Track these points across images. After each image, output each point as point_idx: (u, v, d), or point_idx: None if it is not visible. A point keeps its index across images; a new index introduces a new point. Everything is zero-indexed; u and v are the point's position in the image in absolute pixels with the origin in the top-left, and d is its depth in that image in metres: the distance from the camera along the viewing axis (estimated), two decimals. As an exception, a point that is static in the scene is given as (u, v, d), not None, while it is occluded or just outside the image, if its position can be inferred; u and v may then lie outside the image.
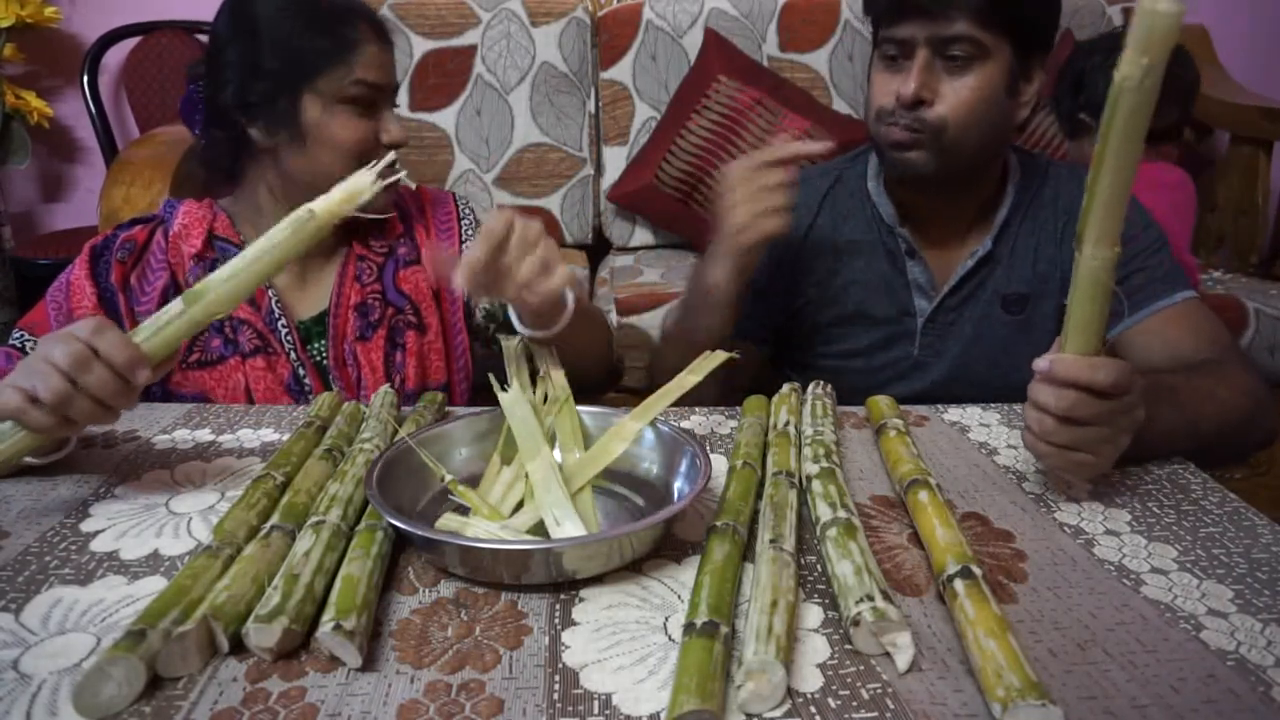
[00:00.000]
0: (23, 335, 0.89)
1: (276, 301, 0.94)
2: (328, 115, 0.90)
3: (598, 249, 2.01)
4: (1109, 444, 0.63)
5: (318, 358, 0.96)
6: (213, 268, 0.91)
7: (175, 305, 0.63)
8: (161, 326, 0.63)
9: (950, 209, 0.97)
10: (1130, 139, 0.54)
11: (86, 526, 0.61)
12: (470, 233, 1.05)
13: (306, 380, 0.94)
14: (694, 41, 1.89)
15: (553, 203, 1.95)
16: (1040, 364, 0.62)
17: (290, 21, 0.90)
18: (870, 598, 0.47)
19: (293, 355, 0.93)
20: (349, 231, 1.00)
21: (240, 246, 0.94)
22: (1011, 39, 0.86)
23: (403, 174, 0.76)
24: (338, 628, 0.45)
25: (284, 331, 0.93)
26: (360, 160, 0.88)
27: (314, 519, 0.55)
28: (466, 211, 1.07)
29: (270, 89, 0.90)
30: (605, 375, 1.07)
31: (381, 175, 0.67)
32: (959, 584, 0.49)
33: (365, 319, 0.96)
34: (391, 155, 0.75)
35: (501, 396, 0.66)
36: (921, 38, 0.85)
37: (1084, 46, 1.64)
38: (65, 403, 0.59)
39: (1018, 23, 0.85)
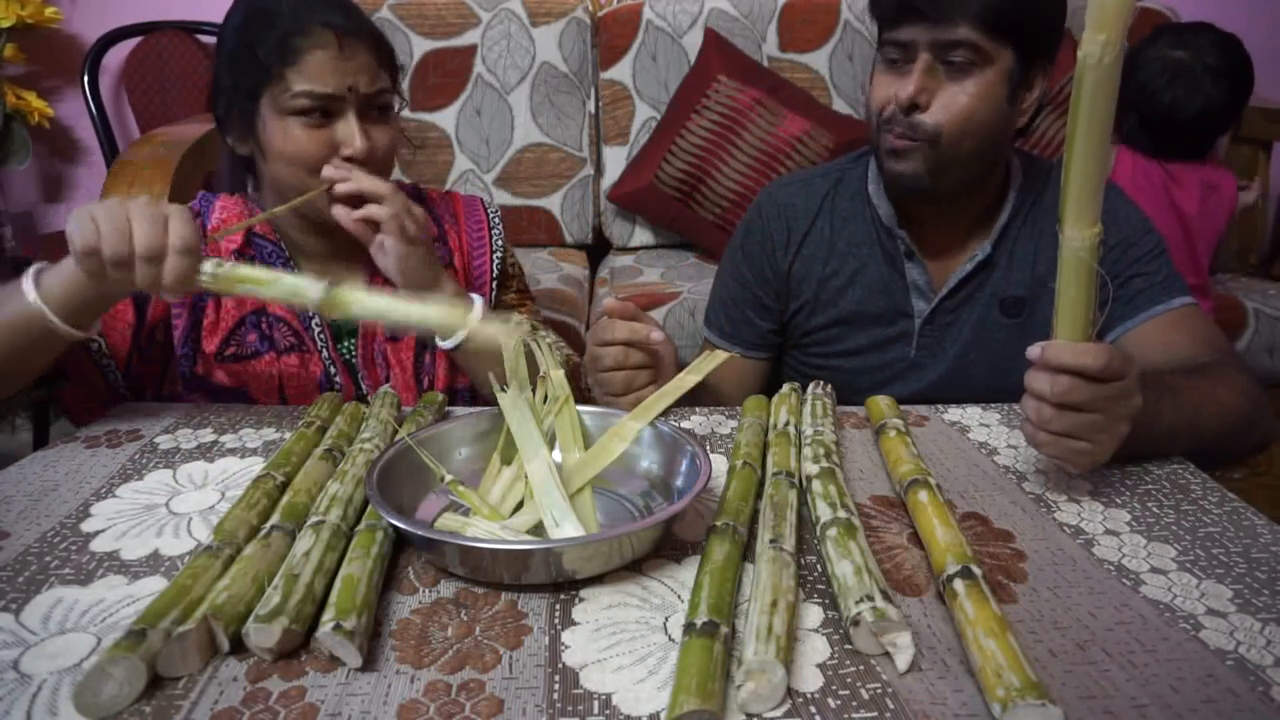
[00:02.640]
0: None
1: None
2: (278, 128, 0.86)
3: (598, 249, 2.01)
4: (1106, 432, 0.63)
5: (348, 355, 0.96)
6: (250, 264, 0.92)
7: (315, 288, 0.68)
8: (285, 285, 0.70)
9: (949, 214, 0.97)
10: (1097, 116, 0.55)
11: (86, 526, 0.61)
12: (500, 243, 1.05)
13: (338, 378, 0.94)
14: (694, 41, 1.88)
15: (553, 203, 1.95)
16: (1033, 351, 0.63)
17: (239, 35, 0.88)
18: (870, 598, 0.47)
19: (325, 353, 0.94)
20: None
21: (277, 244, 0.95)
22: (1014, 46, 0.85)
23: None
24: (338, 628, 0.45)
25: (317, 329, 0.94)
26: (316, 172, 0.87)
27: (314, 519, 0.56)
28: (496, 221, 1.07)
29: (228, 103, 0.89)
30: None
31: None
32: (959, 584, 0.49)
33: None
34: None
35: (501, 397, 0.66)
36: (923, 41, 0.85)
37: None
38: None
39: (1021, 30, 0.85)
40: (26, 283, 0.72)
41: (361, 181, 0.84)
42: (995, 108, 0.87)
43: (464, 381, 0.98)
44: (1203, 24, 1.64)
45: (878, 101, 0.91)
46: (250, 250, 0.94)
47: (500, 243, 1.05)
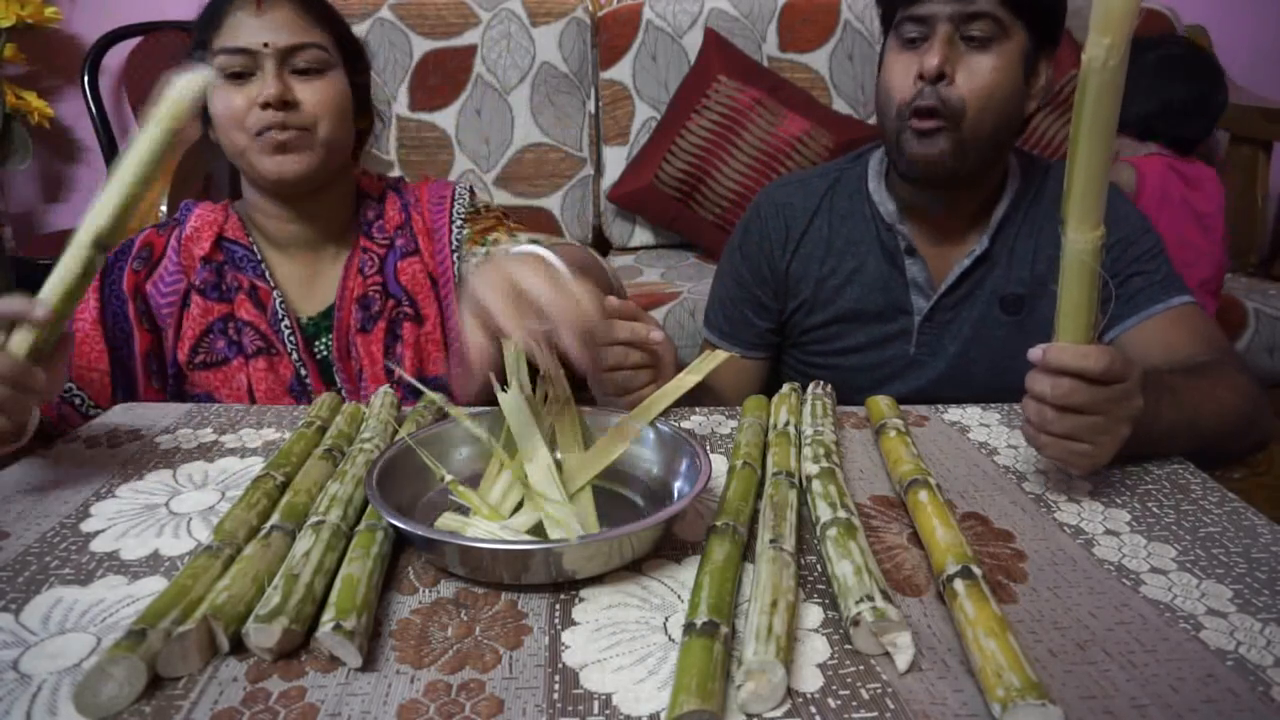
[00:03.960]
0: None
1: (281, 303, 0.94)
2: (213, 93, 0.89)
3: (598, 249, 1.99)
4: (1107, 434, 0.63)
5: (322, 354, 0.96)
6: (219, 270, 0.93)
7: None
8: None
9: (952, 206, 0.97)
10: (1101, 120, 0.55)
11: (86, 526, 0.61)
12: (461, 212, 1.03)
13: (308, 380, 0.94)
14: (694, 41, 1.89)
15: (553, 203, 1.96)
16: (1034, 353, 0.63)
17: (194, 25, 0.91)
18: (870, 598, 0.47)
19: (295, 355, 0.93)
20: (357, 229, 1.00)
21: (249, 248, 0.95)
22: (1028, 23, 0.87)
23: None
24: (338, 628, 0.45)
25: (287, 332, 0.93)
26: (245, 129, 0.88)
27: (314, 519, 0.56)
28: (462, 193, 1.05)
29: None
30: None
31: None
32: (959, 584, 0.49)
33: (366, 311, 0.96)
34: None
35: (501, 397, 0.66)
36: (944, 14, 0.86)
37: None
38: None
39: (1035, 9, 0.87)
40: None
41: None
42: (1013, 84, 0.88)
43: (432, 371, 0.98)
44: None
45: (897, 83, 0.90)
46: (220, 255, 0.94)
47: (461, 212, 1.02)
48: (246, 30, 0.88)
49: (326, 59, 0.92)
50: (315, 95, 0.90)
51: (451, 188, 1.06)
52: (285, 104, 0.88)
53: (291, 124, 0.89)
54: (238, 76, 0.88)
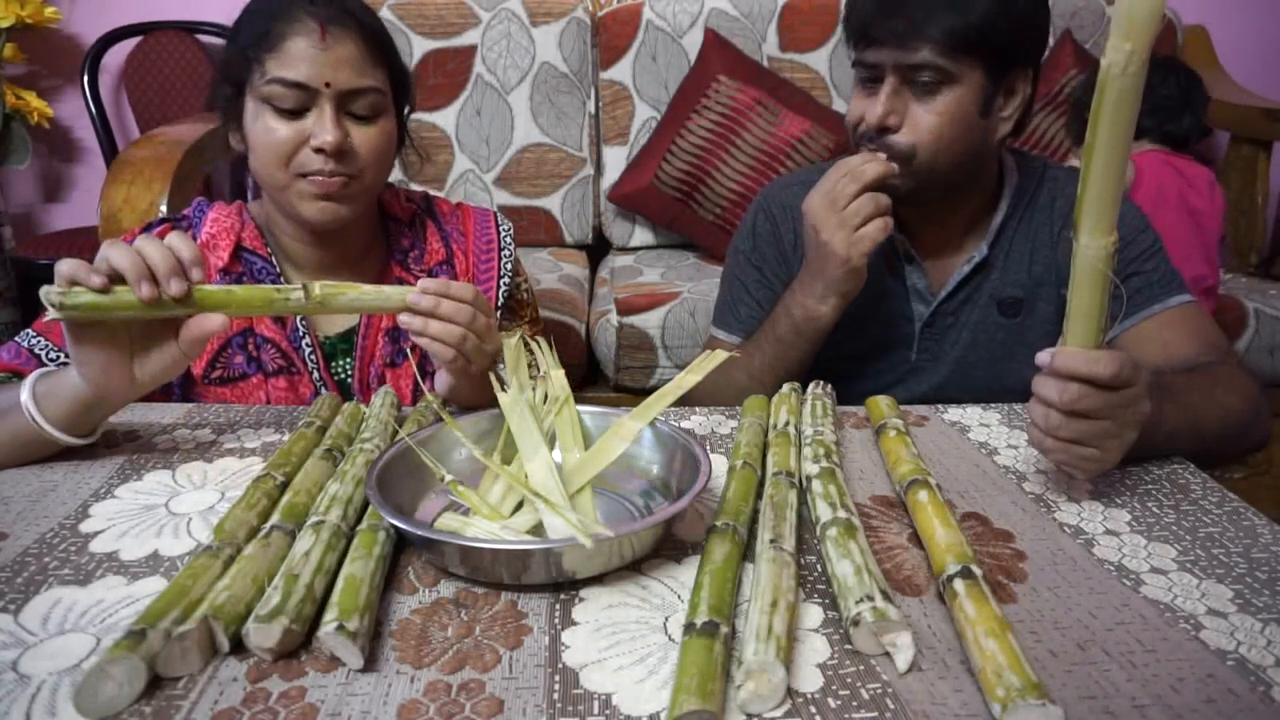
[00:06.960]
0: (30, 335, 0.86)
1: (301, 320, 0.91)
2: (255, 117, 0.84)
3: (598, 249, 2.01)
4: (1115, 438, 0.63)
5: (341, 375, 0.93)
6: (238, 283, 0.89)
7: (295, 292, 0.69)
8: (270, 299, 0.69)
9: (943, 218, 0.97)
10: (1119, 125, 0.54)
11: (86, 527, 0.61)
12: (509, 267, 1.00)
13: None
14: (694, 41, 1.89)
15: (553, 203, 1.96)
16: (1042, 357, 0.63)
17: (239, 21, 0.87)
18: (870, 598, 0.47)
19: (315, 375, 0.91)
20: (386, 250, 0.98)
21: (267, 259, 0.92)
22: (983, 62, 0.85)
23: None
24: (341, 628, 0.45)
25: (308, 350, 0.90)
26: (289, 168, 0.85)
27: (314, 519, 0.55)
28: (508, 242, 1.02)
29: (221, 95, 0.88)
30: None
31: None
32: (959, 584, 0.49)
33: (397, 345, 0.93)
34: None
35: (501, 397, 0.66)
36: (889, 64, 0.85)
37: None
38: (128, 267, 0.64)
39: (986, 49, 0.84)
40: (25, 395, 0.68)
41: (430, 328, 0.72)
42: (967, 123, 0.87)
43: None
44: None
45: (852, 119, 0.91)
46: (239, 266, 0.91)
47: (509, 266, 1.01)
48: (307, 63, 0.82)
49: (383, 104, 0.88)
50: (368, 143, 0.86)
51: (496, 228, 1.03)
52: (340, 152, 0.84)
53: (340, 171, 0.85)
54: (288, 109, 0.83)
